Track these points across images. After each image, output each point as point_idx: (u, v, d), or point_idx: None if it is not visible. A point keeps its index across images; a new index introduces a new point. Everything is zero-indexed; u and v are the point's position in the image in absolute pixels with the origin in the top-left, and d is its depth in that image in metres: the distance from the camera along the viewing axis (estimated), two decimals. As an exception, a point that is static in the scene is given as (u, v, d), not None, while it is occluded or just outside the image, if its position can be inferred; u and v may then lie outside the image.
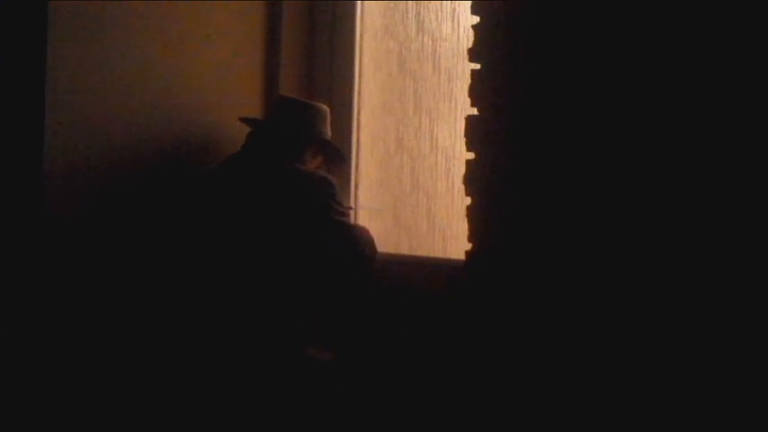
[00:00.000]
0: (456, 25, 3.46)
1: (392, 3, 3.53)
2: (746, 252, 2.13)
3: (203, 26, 3.10)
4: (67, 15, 2.71)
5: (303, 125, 3.00)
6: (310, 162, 3.04)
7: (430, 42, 3.53)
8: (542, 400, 2.43)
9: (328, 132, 3.10)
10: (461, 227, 2.80)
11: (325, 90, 3.34)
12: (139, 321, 2.92)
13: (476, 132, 2.63)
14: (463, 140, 2.67)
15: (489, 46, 2.56)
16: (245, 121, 3.07)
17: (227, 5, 3.18)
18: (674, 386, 2.22)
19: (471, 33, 2.64)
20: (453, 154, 3.31)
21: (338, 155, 3.19)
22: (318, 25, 3.56)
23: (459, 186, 2.90)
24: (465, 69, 2.80)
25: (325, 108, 3.11)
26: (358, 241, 2.87)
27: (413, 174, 3.47)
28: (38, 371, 2.72)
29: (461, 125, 2.72)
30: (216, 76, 3.17)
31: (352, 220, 2.97)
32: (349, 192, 3.70)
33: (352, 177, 3.62)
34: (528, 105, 2.48)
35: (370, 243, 2.92)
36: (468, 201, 2.65)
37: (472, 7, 2.63)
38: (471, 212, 2.62)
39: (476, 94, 2.62)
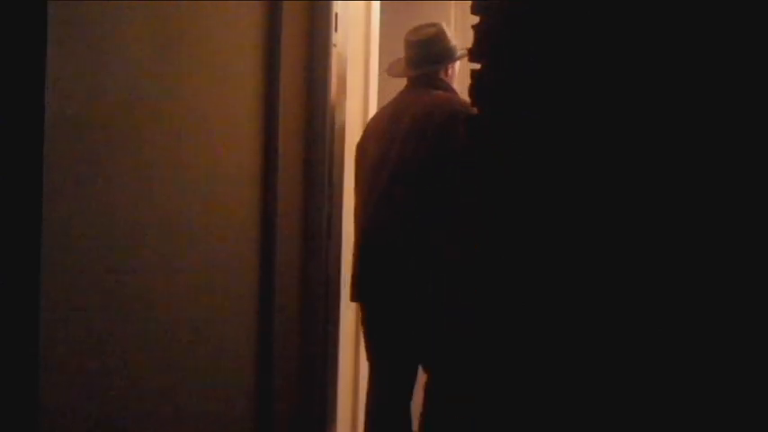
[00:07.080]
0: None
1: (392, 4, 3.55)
2: (745, 251, 2.13)
3: (202, 26, 3.10)
4: (67, 15, 2.71)
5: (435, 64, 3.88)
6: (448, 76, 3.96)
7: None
8: (543, 399, 2.44)
9: (451, 45, 3.92)
10: (461, 226, 2.80)
11: (325, 90, 3.36)
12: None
13: (475, 132, 2.63)
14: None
15: (489, 46, 2.57)
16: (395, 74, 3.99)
17: (227, 6, 3.18)
18: (674, 387, 2.23)
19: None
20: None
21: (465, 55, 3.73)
22: (318, 25, 3.57)
23: (459, 186, 2.91)
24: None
25: (434, 35, 3.85)
26: None
27: (412, 173, 3.47)
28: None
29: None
30: (215, 76, 3.17)
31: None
32: (348, 190, 3.69)
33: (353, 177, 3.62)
34: (528, 105, 2.49)
35: None
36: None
37: (472, 7, 2.63)
38: (471, 212, 2.62)
39: (476, 94, 2.62)
